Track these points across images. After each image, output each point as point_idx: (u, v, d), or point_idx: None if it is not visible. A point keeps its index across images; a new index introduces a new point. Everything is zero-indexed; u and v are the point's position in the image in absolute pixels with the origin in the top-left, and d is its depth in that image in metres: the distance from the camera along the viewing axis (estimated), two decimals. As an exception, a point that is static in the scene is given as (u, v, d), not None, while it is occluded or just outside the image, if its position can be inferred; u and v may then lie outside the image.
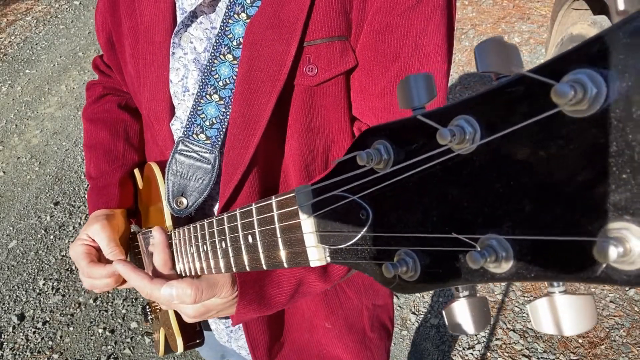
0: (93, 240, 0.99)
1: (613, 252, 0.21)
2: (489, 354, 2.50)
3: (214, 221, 0.67)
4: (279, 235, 0.48)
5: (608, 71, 0.21)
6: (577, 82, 0.22)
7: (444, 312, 0.32)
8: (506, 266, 0.27)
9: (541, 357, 2.37)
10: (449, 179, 0.29)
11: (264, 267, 0.53)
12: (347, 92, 0.82)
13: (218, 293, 0.77)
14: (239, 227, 0.57)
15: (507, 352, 2.47)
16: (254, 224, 0.53)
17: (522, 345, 2.45)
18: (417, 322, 2.64)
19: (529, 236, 0.25)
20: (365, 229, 0.36)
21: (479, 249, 0.27)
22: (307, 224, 0.43)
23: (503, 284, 2.64)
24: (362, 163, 0.32)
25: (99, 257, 0.99)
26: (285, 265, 0.49)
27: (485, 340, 2.55)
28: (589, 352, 2.37)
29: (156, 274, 0.83)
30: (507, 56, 0.28)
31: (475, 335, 2.59)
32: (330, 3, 0.72)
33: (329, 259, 0.41)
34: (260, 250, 0.53)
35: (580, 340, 2.42)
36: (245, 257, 0.58)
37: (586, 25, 2.77)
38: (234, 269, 0.63)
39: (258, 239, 0.53)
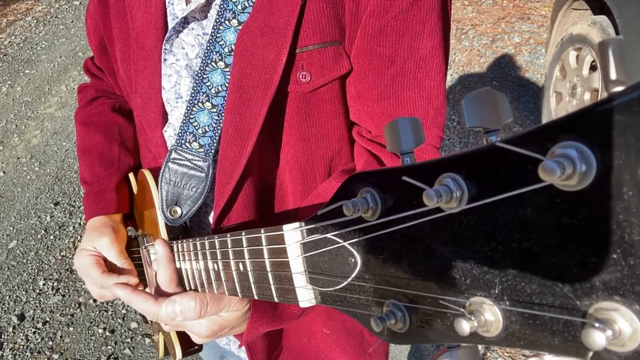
0: (99, 252, 0.99)
1: (601, 339, 0.20)
2: (489, 354, 2.50)
3: (206, 242, 0.66)
4: (268, 269, 0.47)
5: (599, 147, 0.20)
6: (566, 157, 0.21)
7: (433, 364, 0.31)
8: (495, 331, 0.26)
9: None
10: (437, 236, 0.29)
11: (255, 296, 0.52)
12: (343, 99, 0.81)
13: (226, 306, 0.73)
14: (230, 254, 0.56)
15: (507, 352, 2.47)
16: (244, 254, 0.52)
17: (522, 346, 2.45)
18: (417, 324, 2.65)
19: (517, 306, 0.24)
20: (353, 276, 0.35)
21: (466, 314, 0.26)
22: (296, 263, 0.42)
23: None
24: (349, 213, 0.32)
25: (107, 268, 0.99)
26: (276, 299, 0.48)
27: (485, 340, 2.55)
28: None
29: (160, 292, 0.79)
30: (496, 109, 0.27)
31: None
32: (322, 8, 0.71)
33: (319, 300, 0.40)
34: (252, 280, 0.52)
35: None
36: (237, 284, 0.57)
37: (586, 26, 2.75)
38: (226, 293, 0.62)
39: (249, 268, 0.52)
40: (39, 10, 6.28)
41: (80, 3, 6.25)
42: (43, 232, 3.46)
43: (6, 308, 2.99)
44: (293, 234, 0.42)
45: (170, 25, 0.83)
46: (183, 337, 1.00)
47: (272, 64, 0.72)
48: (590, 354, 0.21)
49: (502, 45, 4.44)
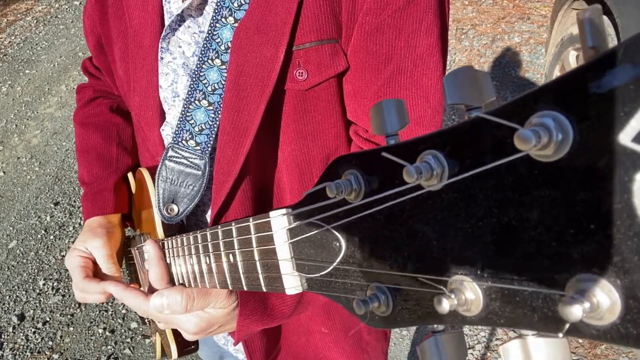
0: (90, 254, 0.98)
1: (577, 310, 0.20)
2: (489, 354, 2.49)
3: (199, 236, 0.66)
4: (257, 258, 0.47)
5: (576, 115, 0.20)
6: (542, 126, 0.20)
7: (418, 349, 0.31)
8: (476, 310, 0.25)
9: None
10: (418, 215, 0.28)
11: (245, 287, 0.52)
12: (340, 96, 0.81)
13: (212, 301, 0.74)
14: (221, 246, 0.56)
15: (508, 353, 2.46)
16: (234, 244, 0.52)
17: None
18: (417, 323, 2.65)
19: (497, 283, 0.24)
20: (338, 260, 0.35)
21: (446, 292, 0.26)
22: (283, 250, 0.42)
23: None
24: (332, 195, 0.31)
25: (94, 271, 0.98)
26: (264, 289, 0.48)
27: (485, 340, 2.54)
28: (589, 352, 2.36)
29: (152, 290, 0.80)
30: (478, 86, 0.27)
31: (476, 335, 2.59)
32: (319, 5, 0.71)
33: (305, 287, 0.40)
34: (241, 270, 0.52)
35: (580, 340, 2.42)
36: (227, 275, 0.57)
37: (587, 25, 2.75)
38: (217, 286, 0.62)
39: (238, 259, 0.52)
40: (39, 10, 6.29)
41: (80, 3, 6.26)
42: (43, 232, 3.46)
43: (6, 308, 2.99)
44: (279, 220, 0.42)
45: (167, 23, 0.83)
46: (179, 337, 1.00)
47: (269, 61, 0.72)
48: (567, 326, 0.21)
49: (502, 45, 4.44)
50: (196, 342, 1.04)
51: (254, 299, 0.77)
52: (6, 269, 3.23)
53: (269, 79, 0.73)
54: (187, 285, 0.76)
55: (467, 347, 2.54)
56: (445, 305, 0.25)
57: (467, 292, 0.25)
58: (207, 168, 0.82)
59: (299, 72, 0.75)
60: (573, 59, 2.98)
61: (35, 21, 6.06)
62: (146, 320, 1.21)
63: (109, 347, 2.72)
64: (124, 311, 2.91)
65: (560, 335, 0.21)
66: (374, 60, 0.74)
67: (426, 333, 2.53)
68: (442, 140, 0.26)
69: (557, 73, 3.14)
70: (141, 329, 2.80)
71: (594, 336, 0.21)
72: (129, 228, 1.13)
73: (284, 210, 0.42)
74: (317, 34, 0.72)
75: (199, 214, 0.91)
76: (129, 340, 2.75)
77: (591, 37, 0.19)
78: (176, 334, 0.99)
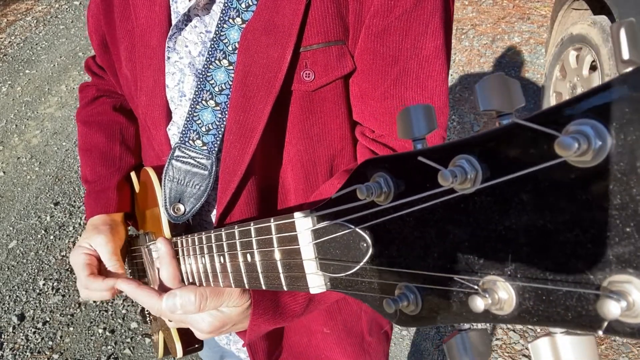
0: (95, 251, 0.99)
1: (615, 308, 0.21)
2: (489, 354, 2.50)
3: (212, 236, 0.66)
4: (277, 258, 0.47)
5: (613, 123, 0.21)
6: (581, 133, 0.21)
7: (444, 346, 0.32)
8: (509, 309, 0.26)
9: (541, 358, 2.38)
10: (450, 217, 0.29)
11: (263, 286, 0.53)
12: (346, 98, 0.82)
13: (226, 300, 0.74)
14: (238, 245, 0.56)
15: (507, 352, 2.47)
16: (253, 244, 0.52)
17: (522, 345, 2.45)
18: (417, 323, 2.65)
19: (531, 282, 0.25)
20: (365, 260, 0.36)
21: (480, 291, 0.27)
22: (307, 250, 0.42)
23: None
24: (362, 197, 0.32)
25: (99, 268, 0.99)
26: (285, 288, 0.48)
27: (485, 340, 2.55)
28: (589, 353, 2.37)
29: (164, 289, 0.80)
30: (509, 93, 0.27)
31: (476, 336, 2.60)
32: (326, 7, 0.72)
33: (329, 286, 0.41)
34: (259, 270, 0.52)
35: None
36: (244, 274, 0.57)
37: (586, 25, 2.76)
38: (232, 285, 0.63)
39: (257, 259, 0.52)
40: (39, 10, 6.28)
41: (80, 3, 6.25)
42: (43, 232, 3.46)
43: (6, 308, 2.99)
44: (304, 221, 0.43)
45: (174, 22, 0.83)
46: (184, 335, 1.00)
47: (276, 62, 0.73)
48: (605, 324, 0.22)
49: (502, 45, 4.46)
50: (201, 342, 1.04)
51: (267, 297, 0.77)
52: (6, 269, 3.23)
53: (276, 80, 0.73)
54: (197, 284, 0.76)
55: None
56: (480, 304, 0.26)
57: (500, 292, 0.26)
58: (214, 168, 0.82)
59: (306, 73, 0.75)
60: (573, 59, 2.99)
61: (35, 21, 6.05)
62: (147, 319, 1.21)
63: (109, 347, 2.72)
64: (124, 311, 2.91)
65: (600, 332, 0.22)
66: (380, 61, 0.75)
67: (426, 334, 2.53)
68: (475, 145, 0.27)
69: (557, 73, 3.15)
70: (141, 329, 2.80)
71: (628, 334, 0.22)
72: (131, 227, 1.14)
73: (308, 211, 0.43)
74: (324, 35, 0.73)
75: (203, 214, 0.92)
76: (129, 340, 2.76)
77: (627, 51, 0.20)
78: (181, 332, 1.00)
